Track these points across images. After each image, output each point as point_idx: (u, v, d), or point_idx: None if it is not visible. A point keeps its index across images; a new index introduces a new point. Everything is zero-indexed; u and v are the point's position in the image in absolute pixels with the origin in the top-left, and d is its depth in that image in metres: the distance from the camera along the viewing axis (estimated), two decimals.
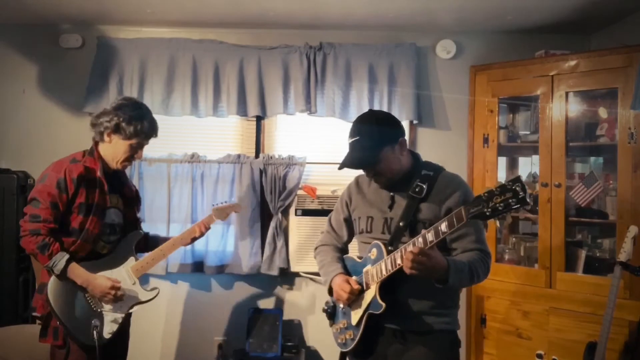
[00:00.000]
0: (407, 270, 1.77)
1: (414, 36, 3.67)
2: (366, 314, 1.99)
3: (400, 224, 1.97)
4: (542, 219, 3.14)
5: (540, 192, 3.15)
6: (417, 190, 1.97)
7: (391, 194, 2.05)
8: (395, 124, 2.05)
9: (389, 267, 1.91)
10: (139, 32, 3.68)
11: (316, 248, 2.33)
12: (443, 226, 1.75)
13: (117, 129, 2.38)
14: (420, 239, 1.81)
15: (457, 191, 1.97)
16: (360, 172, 2.24)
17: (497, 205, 1.60)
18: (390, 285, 1.95)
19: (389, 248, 1.96)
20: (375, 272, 1.97)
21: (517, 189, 1.57)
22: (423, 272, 1.77)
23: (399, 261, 1.86)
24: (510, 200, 1.58)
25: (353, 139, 2.00)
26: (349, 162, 2.01)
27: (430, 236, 1.78)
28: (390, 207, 2.04)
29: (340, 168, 2.02)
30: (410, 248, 1.80)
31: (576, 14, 3.30)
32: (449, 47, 3.67)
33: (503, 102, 3.46)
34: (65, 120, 3.65)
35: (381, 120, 2.03)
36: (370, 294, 1.99)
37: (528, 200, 1.57)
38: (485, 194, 1.64)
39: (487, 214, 1.63)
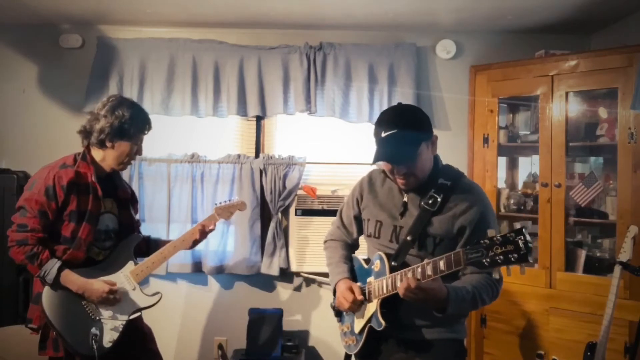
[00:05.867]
0: (402, 296, 1.73)
1: (414, 36, 3.67)
2: (368, 326, 1.94)
3: (408, 238, 1.87)
4: (542, 219, 3.14)
5: (540, 192, 3.15)
6: (430, 202, 1.86)
7: (404, 199, 1.93)
8: (428, 119, 1.91)
9: (389, 287, 1.85)
10: (139, 32, 3.67)
11: (326, 241, 2.26)
12: (441, 264, 1.69)
13: (120, 132, 2.28)
14: (420, 270, 1.75)
15: (473, 207, 1.85)
16: (373, 167, 2.12)
17: (497, 257, 1.55)
18: (392, 302, 1.87)
19: (393, 264, 1.88)
20: (378, 287, 1.91)
21: (520, 243, 1.50)
22: (418, 302, 1.72)
23: (398, 284, 1.79)
24: (510, 256, 1.52)
25: (389, 132, 1.81)
26: (387, 157, 1.83)
27: (429, 270, 1.72)
28: (402, 214, 1.93)
29: (374, 162, 1.84)
30: (408, 276, 1.73)
31: (576, 14, 3.30)
32: (449, 47, 3.66)
33: (503, 102, 3.46)
34: (65, 120, 3.64)
35: (418, 114, 1.90)
36: (372, 308, 1.92)
37: (529, 258, 1.50)
38: (487, 241, 1.57)
39: (485, 264, 1.58)
